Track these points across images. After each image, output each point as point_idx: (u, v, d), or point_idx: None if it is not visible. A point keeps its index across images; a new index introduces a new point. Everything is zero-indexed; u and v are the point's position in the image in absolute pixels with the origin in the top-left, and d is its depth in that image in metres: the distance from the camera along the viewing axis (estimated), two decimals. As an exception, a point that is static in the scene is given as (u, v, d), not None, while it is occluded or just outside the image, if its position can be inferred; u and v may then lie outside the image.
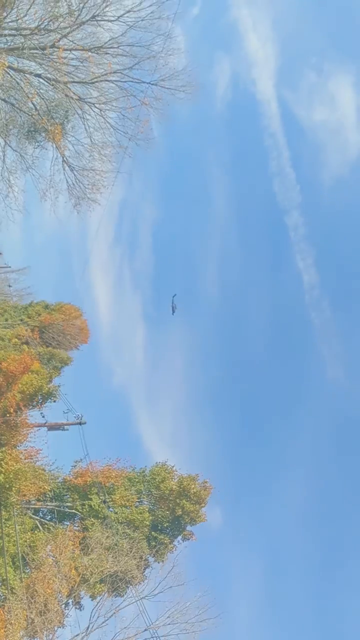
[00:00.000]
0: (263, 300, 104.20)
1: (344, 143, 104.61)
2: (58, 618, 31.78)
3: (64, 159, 39.31)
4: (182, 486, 40.62)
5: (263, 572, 75.22)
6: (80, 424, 41.75)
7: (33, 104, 36.32)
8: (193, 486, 40.55)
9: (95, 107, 37.88)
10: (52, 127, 36.35)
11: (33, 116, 36.46)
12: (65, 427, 42.33)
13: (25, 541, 37.20)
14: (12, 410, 37.57)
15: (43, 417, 42.08)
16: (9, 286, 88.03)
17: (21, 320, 65.01)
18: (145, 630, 33.87)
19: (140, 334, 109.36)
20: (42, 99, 36.37)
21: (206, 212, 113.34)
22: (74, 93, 36.69)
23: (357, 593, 71.24)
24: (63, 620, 33.77)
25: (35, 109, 36.44)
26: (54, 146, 38.37)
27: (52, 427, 42.04)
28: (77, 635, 33.02)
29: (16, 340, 58.04)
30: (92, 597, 37.00)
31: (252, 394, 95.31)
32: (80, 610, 39.16)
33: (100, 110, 37.98)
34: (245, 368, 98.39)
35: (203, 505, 40.85)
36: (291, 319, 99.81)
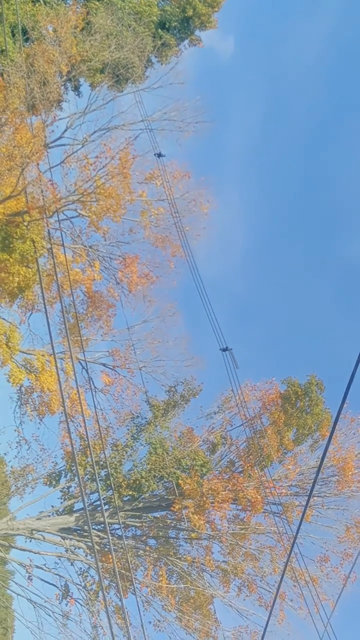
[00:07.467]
0: None
1: None
2: (57, 91, 32.15)
3: None
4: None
5: (262, 116, 75.72)
6: None
7: None
8: None
9: None
10: None
11: None
12: None
13: (26, 12, 35.16)
14: None
15: None
16: None
17: None
18: (142, 121, 34.92)
19: None
20: None
21: None
22: None
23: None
24: (62, 97, 34.41)
25: None
26: None
27: None
28: (74, 114, 34.01)
29: None
30: (92, 86, 37.08)
31: None
32: (79, 97, 39.94)
33: None
34: None
35: (216, 9, 38.02)
36: None
